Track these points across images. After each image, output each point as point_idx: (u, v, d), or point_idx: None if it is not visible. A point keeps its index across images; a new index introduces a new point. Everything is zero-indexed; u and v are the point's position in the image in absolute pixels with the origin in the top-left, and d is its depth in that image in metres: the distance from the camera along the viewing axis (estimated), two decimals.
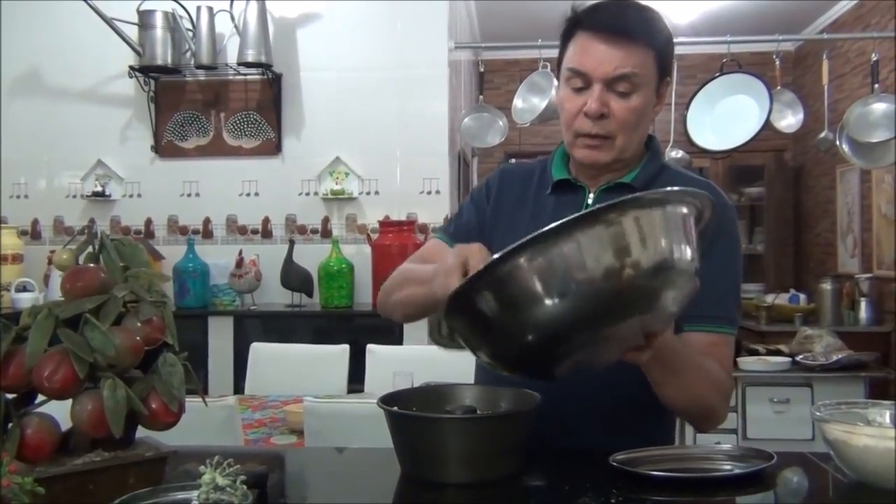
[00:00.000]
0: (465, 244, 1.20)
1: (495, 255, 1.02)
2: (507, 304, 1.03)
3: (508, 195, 1.52)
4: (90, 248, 1.18)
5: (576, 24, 1.38)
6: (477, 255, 1.15)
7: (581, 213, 1.01)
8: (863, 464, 1.11)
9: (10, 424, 1.06)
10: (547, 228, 0.99)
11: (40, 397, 1.10)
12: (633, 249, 1.00)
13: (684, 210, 1.07)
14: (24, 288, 3.98)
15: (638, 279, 1.00)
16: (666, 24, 1.41)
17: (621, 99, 1.35)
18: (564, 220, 0.99)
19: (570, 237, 0.99)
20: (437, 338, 1.17)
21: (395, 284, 1.48)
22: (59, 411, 1.09)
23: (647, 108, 1.39)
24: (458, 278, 1.11)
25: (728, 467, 1.22)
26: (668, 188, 1.08)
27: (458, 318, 1.11)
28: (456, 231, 1.54)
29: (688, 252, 1.06)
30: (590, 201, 1.45)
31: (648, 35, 1.36)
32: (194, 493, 0.94)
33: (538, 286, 1.00)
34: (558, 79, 1.44)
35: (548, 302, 1.01)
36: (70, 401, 1.07)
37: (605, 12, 1.36)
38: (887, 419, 1.21)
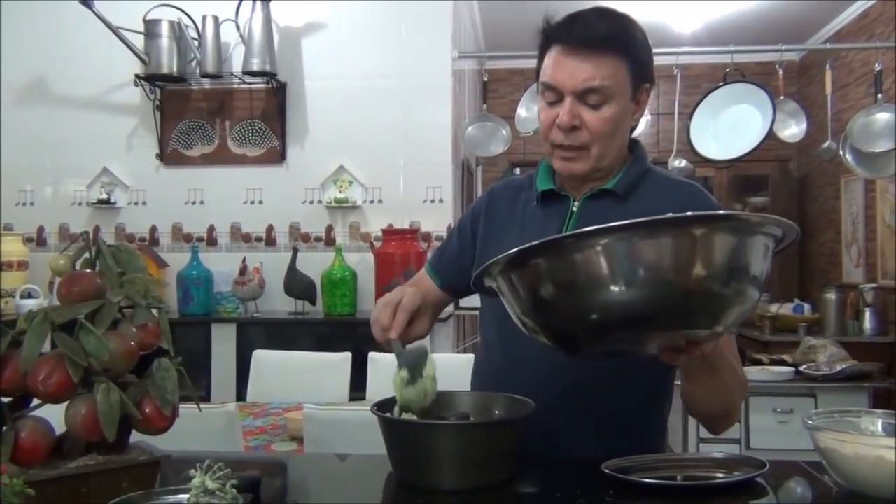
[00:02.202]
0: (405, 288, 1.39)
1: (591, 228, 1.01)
2: (585, 281, 1.03)
3: (498, 213, 1.54)
4: (87, 254, 1.19)
5: (548, 37, 1.39)
6: (408, 297, 1.35)
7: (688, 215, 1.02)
8: (854, 472, 1.11)
9: (4, 428, 1.06)
10: (654, 218, 1.00)
11: (35, 401, 1.11)
12: (717, 262, 1.02)
13: (769, 238, 1.08)
14: (28, 294, 3.99)
15: (714, 289, 1.02)
16: (641, 31, 1.40)
17: (593, 110, 1.36)
18: (664, 217, 1.00)
19: (671, 233, 1.01)
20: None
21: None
22: (54, 415, 1.10)
23: (623, 117, 1.39)
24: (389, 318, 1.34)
25: (720, 475, 1.22)
26: (764, 215, 1.07)
27: (523, 277, 1.10)
28: (438, 263, 1.63)
29: (763, 277, 1.07)
30: (574, 209, 1.45)
31: (619, 45, 1.35)
32: (185, 497, 0.95)
33: (621, 270, 1.01)
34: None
35: (623, 288, 1.01)
36: (64, 405, 1.08)
37: (573, 25, 1.36)
38: (879, 428, 1.21)
